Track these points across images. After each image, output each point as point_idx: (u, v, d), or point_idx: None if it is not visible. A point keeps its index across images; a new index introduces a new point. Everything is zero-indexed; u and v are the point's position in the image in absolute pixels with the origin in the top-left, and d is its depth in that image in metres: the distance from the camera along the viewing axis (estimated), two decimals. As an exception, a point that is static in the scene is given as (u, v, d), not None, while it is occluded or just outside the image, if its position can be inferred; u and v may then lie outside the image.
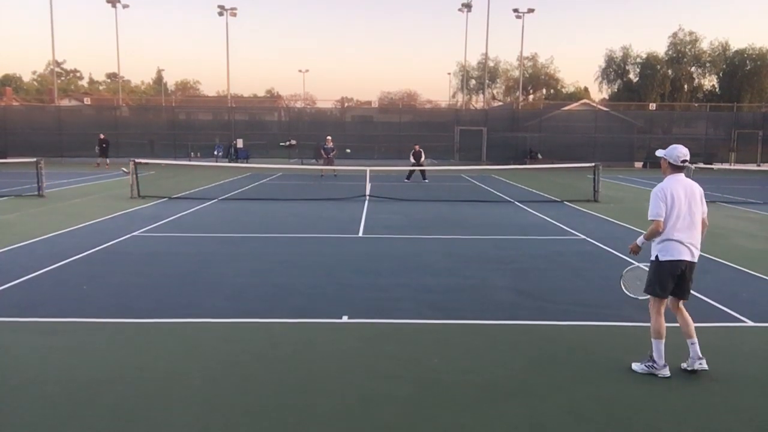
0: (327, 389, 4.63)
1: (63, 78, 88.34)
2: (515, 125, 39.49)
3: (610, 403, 4.45)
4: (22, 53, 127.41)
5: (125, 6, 46.41)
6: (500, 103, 63.92)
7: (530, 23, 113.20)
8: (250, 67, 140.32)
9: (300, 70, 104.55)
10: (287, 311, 6.66)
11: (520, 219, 14.02)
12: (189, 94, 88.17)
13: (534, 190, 20.91)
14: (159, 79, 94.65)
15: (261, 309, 6.75)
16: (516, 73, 62.18)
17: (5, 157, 29.71)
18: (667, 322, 5.01)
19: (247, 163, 33.31)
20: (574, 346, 5.63)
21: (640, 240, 5.01)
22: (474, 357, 5.35)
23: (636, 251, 5.09)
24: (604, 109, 44.20)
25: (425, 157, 25.46)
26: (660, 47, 78.46)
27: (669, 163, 4.90)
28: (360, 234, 11.74)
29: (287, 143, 37.82)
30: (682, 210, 4.79)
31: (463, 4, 48.42)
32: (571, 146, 36.36)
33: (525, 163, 34.85)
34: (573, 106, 45.48)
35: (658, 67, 57.39)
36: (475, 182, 24.48)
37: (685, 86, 59.26)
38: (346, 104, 52.15)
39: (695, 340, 4.96)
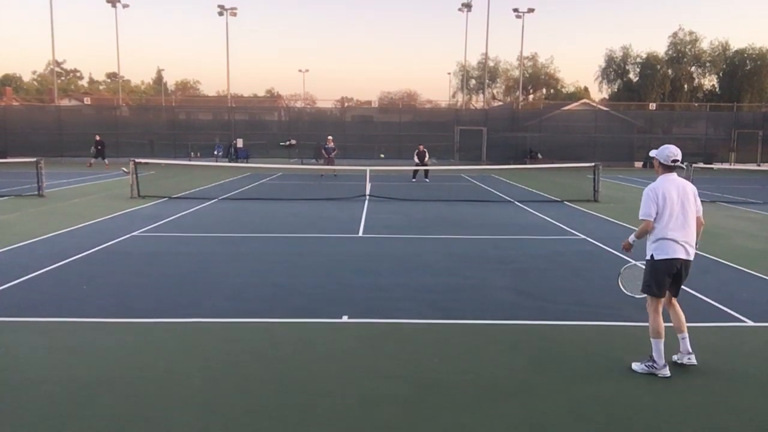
0: (327, 389, 4.63)
1: (63, 78, 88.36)
2: (515, 125, 39.50)
3: (610, 403, 4.45)
4: (22, 53, 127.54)
5: (125, 6, 46.46)
6: (500, 103, 63.91)
7: (530, 23, 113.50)
8: (250, 67, 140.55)
9: (300, 70, 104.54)
10: (287, 311, 6.66)
11: (520, 219, 14.02)
12: (189, 94, 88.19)
13: (534, 190, 20.92)
14: (159, 79, 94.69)
15: (261, 309, 6.75)
16: (516, 73, 62.20)
17: (5, 157, 29.72)
18: (667, 322, 5.02)
19: (247, 163, 33.30)
20: (574, 346, 5.63)
21: (631, 238, 5.14)
22: (474, 357, 5.35)
23: (628, 248, 5.22)
24: (604, 109, 44.22)
25: (429, 157, 25.51)
26: (660, 47, 78.49)
27: (660, 162, 4.98)
28: (360, 234, 11.74)
29: (287, 143, 37.85)
30: (674, 209, 4.85)
31: (463, 4, 48.45)
32: (571, 146, 36.38)
33: (525, 163, 34.86)
34: (573, 106, 45.49)
35: (658, 67, 57.40)
36: (475, 182, 24.48)
37: (685, 86, 59.28)
38: (346, 104, 52.18)
39: (686, 335, 5.07)
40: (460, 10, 48.74)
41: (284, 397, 4.49)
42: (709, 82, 60.40)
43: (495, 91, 71.43)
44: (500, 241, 11.14)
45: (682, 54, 57.59)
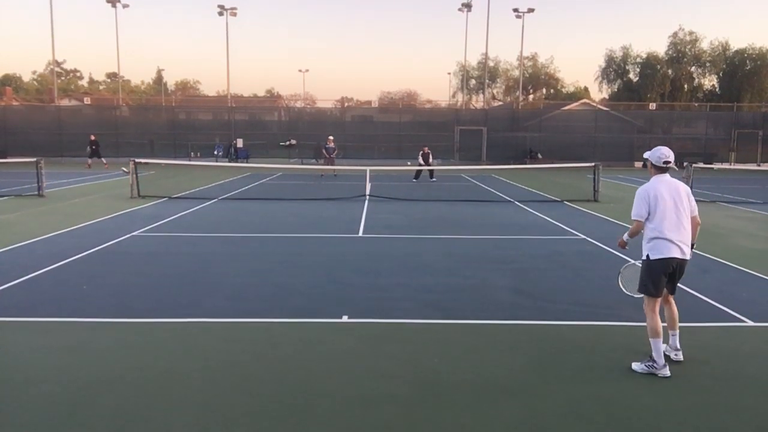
0: (327, 389, 4.63)
1: (63, 78, 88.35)
2: (515, 125, 39.51)
3: (610, 403, 4.45)
4: (22, 53, 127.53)
5: (125, 6, 46.40)
6: (500, 103, 63.92)
7: (530, 23, 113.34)
8: (250, 67, 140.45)
9: (300, 70, 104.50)
10: (287, 311, 6.66)
11: (520, 219, 14.02)
12: (189, 94, 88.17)
13: (534, 190, 20.92)
14: (159, 79, 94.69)
15: (261, 309, 6.75)
16: (516, 73, 62.20)
17: (5, 157, 29.71)
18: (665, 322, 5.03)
19: (247, 162, 33.31)
20: (574, 346, 5.63)
21: (625, 236, 5.32)
22: (474, 357, 5.35)
23: (623, 245, 5.41)
24: (604, 108, 44.23)
25: (433, 158, 25.61)
26: (660, 47, 78.46)
27: (653, 164, 5.07)
28: (360, 234, 11.74)
29: (287, 143, 37.84)
30: (667, 209, 4.91)
31: (463, 4, 48.40)
32: (571, 146, 36.39)
33: (525, 163, 34.87)
34: (573, 105, 45.50)
35: (658, 67, 57.39)
36: (475, 182, 24.48)
37: (685, 86, 59.27)
38: (346, 104, 52.13)
39: (677, 332, 5.20)
40: (460, 10, 48.70)
41: (284, 397, 4.49)
42: (709, 82, 60.48)
43: (495, 91, 71.44)
44: (500, 241, 11.14)
45: (682, 54, 57.58)
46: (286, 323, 6.24)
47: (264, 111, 51.01)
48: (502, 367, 5.13)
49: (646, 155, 5.19)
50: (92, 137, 31.33)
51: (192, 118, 43.83)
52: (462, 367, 5.10)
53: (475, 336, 5.93)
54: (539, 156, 36.38)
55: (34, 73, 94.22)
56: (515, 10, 44.92)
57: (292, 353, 5.41)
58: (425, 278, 8.15)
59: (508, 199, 18.20)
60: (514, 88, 64.36)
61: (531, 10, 45.01)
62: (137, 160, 18.62)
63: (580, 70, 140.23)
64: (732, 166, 35.31)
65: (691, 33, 57.52)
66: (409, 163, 24.64)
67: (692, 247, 5.09)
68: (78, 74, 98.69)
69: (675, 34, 57.82)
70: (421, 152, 24.47)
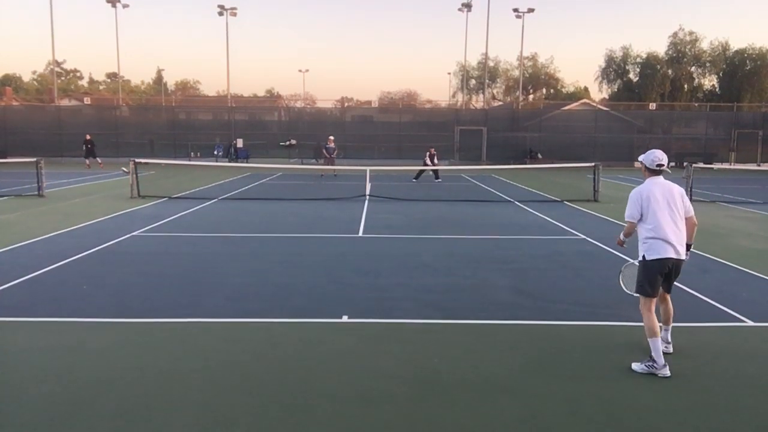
0: (327, 389, 4.63)
1: (63, 78, 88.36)
2: (515, 125, 39.51)
3: (610, 403, 4.45)
4: (22, 53, 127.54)
5: (125, 6, 46.39)
6: (500, 103, 63.91)
7: (530, 23, 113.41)
8: (250, 67, 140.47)
9: (300, 70, 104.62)
10: (287, 311, 6.66)
11: (520, 219, 14.02)
12: (189, 94, 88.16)
13: (534, 190, 20.92)
14: (159, 79, 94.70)
15: (261, 309, 6.75)
16: (516, 73, 62.20)
17: (5, 157, 29.70)
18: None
19: (247, 163, 33.31)
20: (574, 346, 5.63)
21: (621, 236, 5.52)
22: (474, 357, 5.35)
23: (621, 244, 5.58)
24: (604, 109, 44.22)
25: (438, 159, 25.66)
26: (660, 47, 78.50)
27: (646, 167, 5.19)
28: (360, 234, 11.74)
29: (287, 143, 37.84)
30: (661, 210, 5.01)
31: (463, 4, 48.39)
32: (571, 146, 36.40)
33: (525, 163, 34.86)
34: (573, 106, 45.49)
35: (658, 67, 57.39)
36: (475, 182, 24.48)
37: (685, 86, 59.27)
38: (346, 104, 52.12)
39: (669, 328, 5.39)
40: (460, 10, 48.68)
41: (284, 397, 4.49)
42: (709, 82, 60.48)
43: (495, 91, 71.44)
44: (500, 241, 11.14)
45: (682, 54, 57.58)
46: (286, 323, 6.24)
47: (264, 111, 51.00)
48: (502, 366, 5.13)
49: (640, 158, 5.32)
50: (87, 137, 31.32)
51: (192, 118, 43.81)
52: (462, 367, 5.10)
53: (475, 336, 5.93)
54: (539, 156, 36.38)
55: (34, 73, 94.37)
56: (515, 10, 44.92)
57: (292, 353, 5.41)
58: (425, 278, 8.15)
59: (508, 199, 18.20)
60: (514, 88, 64.37)
61: (531, 10, 45.03)
62: (137, 160, 18.62)
63: (580, 70, 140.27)
64: (732, 166, 35.31)
65: (691, 33, 57.61)
66: (430, 163, 24.48)
67: (689, 248, 5.20)
68: (78, 74, 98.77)
69: (675, 34, 57.91)
70: (429, 153, 24.46)
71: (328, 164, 26.14)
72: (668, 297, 5.35)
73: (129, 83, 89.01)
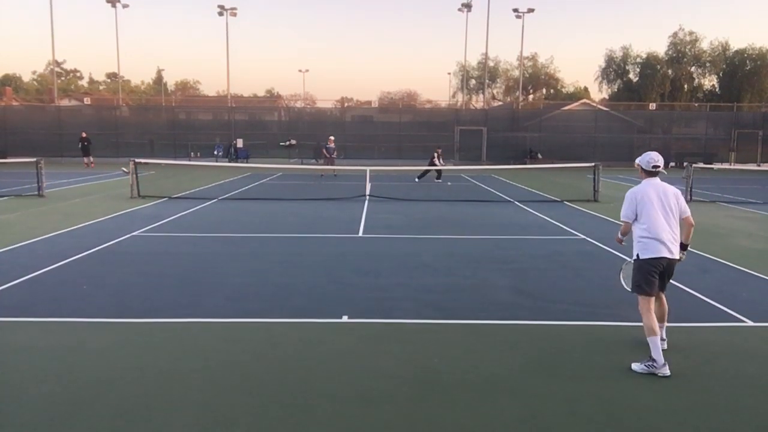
0: (327, 389, 4.63)
1: (63, 78, 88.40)
2: (515, 125, 39.50)
3: (610, 403, 4.45)
4: (22, 53, 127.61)
5: (125, 6, 46.37)
6: (500, 103, 63.91)
7: (530, 23, 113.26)
8: (250, 67, 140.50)
9: (300, 70, 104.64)
10: (287, 311, 6.66)
11: (520, 219, 14.02)
12: (189, 94, 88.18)
13: (534, 190, 20.92)
14: (159, 79, 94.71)
15: (261, 309, 6.75)
16: (516, 73, 62.20)
17: (5, 157, 29.71)
18: (670, 322, 5.04)
19: (247, 163, 33.30)
20: (574, 346, 5.63)
21: (619, 234, 5.61)
22: (474, 357, 5.35)
23: (619, 242, 5.71)
24: (604, 109, 44.23)
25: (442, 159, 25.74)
26: (660, 47, 78.57)
27: (642, 168, 5.34)
28: (360, 234, 11.74)
29: (287, 143, 37.83)
30: (655, 210, 5.14)
31: (463, 4, 48.39)
32: (571, 146, 36.39)
33: (525, 163, 34.86)
34: (573, 106, 45.50)
35: (658, 67, 57.40)
36: (475, 182, 24.48)
37: (685, 86, 59.28)
38: (346, 104, 52.15)
39: (664, 325, 5.42)
40: (460, 10, 48.67)
41: (284, 397, 4.49)
42: (709, 82, 60.50)
43: (495, 91, 71.45)
44: (500, 241, 11.14)
45: (682, 54, 57.59)
46: (286, 323, 6.24)
47: (264, 111, 51.01)
48: (502, 366, 5.13)
49: (637, 160, 5.45)
50: (83, 134, 31.30)
51: (192, 118, 43.82)
52: (462, 367, 5.10)
53: (475, 336, 5.93)
54: (539, 156, 36.37)
55: (34, 73, 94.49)
56: (515, 10, 44.92)
57: (292, 353, 5.41)
58: (425, 278, 8.15)
59: (508, 199, 18.20)
60: (514, 88, 64.36)
61: (531, 10, 45.02)
62: (137, 160, 18.62)
63: (580, 70, 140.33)
64: (732, 166, 35.31)
65: (691, 33, 57.63)
66: (439, 163, 24.44)
67: (686, 248, 5.33)
68: (78, 74, 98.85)
69: (675, 34, 57.94)
70: (436, 152, 24.44)
71: (328, 164, 26.13)
72: (663, 295, 5.43)
73: (129, 83, 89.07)
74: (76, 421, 4.10)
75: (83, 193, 18.50)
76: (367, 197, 17.60)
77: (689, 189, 17.08)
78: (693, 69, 59.12)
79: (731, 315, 6.60)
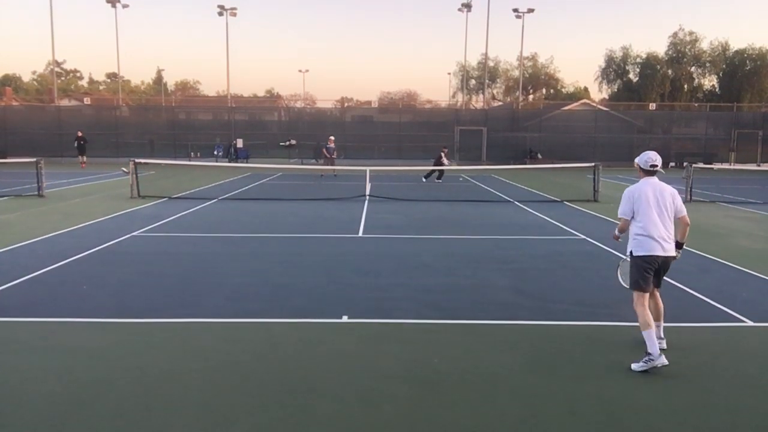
0: (327, 389, 4.63)
1: (63, 78, 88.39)
2: (515, 125, 39.51)
3: (610, 403, 4.45)
4: (22, 53, 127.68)
5: (125, 6, 46.39)
6: (500, 103, 63.93)
7: (530, 23, 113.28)
8: (250, 67, 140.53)
9: (300, 70, 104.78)
10: (287, 311, 6.66)
11: (520, 219, 14.02)
12: (189, 94, 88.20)
13: (534, 190, 20.92)
14: (159, 79, 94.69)
15: (261, 309, 6.75)
16: (516, 73, 62.21)
17: (5, 157, 29.69)
18: (670, 322, 5.04)
19: (247, 163, 33.30)
20: (574, 346, 5.63)
21: (615, 231, 5.74)
22: (474, 357, 5.35)
23: (616, 239, 5.85)
24: (604, 109, 44.25)
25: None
26: (660, 47, 78.61)
27: (640, 167, 5.47)
28: (360, 234, 11.74)
29: (287, 143, 37.83)
30: (650, 209, 5.24)
31: (463, 4, 48.39)
32: (571, 146, 36.40)
33: (525, 163, 34.86)
34: (573, 106, 45.51)
35: (658, 67, 57.41)
36: (475, 182, 24.48)
37: (685, 86, 59.30)
38: (346, 104, 52.15)
39: (661, 323, 5.49)
40: (460, 10, 48.68)
41: (284, 397, 4.49)
42: (709, 82, 60.52)
43: (495, 91, 71.45)
44: (500, 241, 11.14)
45: (682, 54, 57.60)
46: (286, 323, 6.24)
47: (264, 111, 51.02)
48: (502, 366, 5.13)
49: (635, 160, 5.57)
50: (79, 133, 31.28)
51: (192, 118, 43.83)
52: (462, 367, 5.10)
53: (475, 336, 5.93)
54: (539, 156, 36.38)
55: (34, 73, 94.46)
56: (515, 10, 44.93)
57: (292, 353, 5.41)
58: (425, 278, 8.15)
59: (508, 199, 18.20)
60: (514, 88, 64.38)
61: (531, 10, 45.04)
62: (137, 160, 18.62)
63: (580, 70, 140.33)
64: (732, 166, 35.30)
65: (691, 33, 57.65)
66: (447, 162, 24.45)
67: (681, 247, 5.40)
68: (78, 74, 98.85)
69: (675, 34, 57.95)
70: (443, 153, 24.42)
71: (328, 164, 26.13)
72: (657, 293, 5.50)
73: (129, 83, 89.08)
74: (76, 421, 4.10)
75: (83, 193, 18.50)
76: (367, 197, 17.60)
77: (689, 189, 17.09)
78: (693, 69, 59.14)
79: (731, 315, 6.60)
